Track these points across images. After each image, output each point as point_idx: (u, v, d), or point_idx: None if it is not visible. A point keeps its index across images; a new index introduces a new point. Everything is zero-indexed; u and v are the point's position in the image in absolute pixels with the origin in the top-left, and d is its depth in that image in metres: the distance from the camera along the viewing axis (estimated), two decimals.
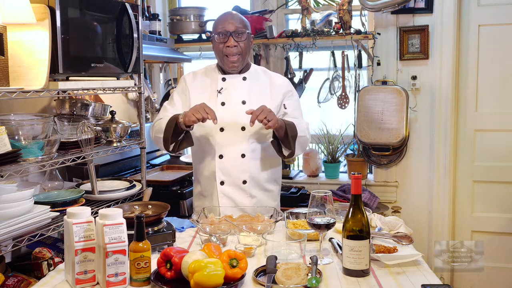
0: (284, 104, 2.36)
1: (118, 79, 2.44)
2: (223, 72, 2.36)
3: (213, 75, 2.38)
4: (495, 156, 3.25)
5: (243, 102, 2.30)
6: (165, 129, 2.17)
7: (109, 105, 2.76)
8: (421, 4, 3.18)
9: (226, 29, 2.25)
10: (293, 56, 3.58)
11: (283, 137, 2.20)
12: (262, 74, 2.42)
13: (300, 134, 2.21)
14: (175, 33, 3.66)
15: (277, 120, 2.11)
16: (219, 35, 2.26)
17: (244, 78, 2.34)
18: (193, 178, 2.50)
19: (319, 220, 1.67)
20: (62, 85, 2.04)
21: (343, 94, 3.43)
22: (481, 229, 3.32)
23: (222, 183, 2.28)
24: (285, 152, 2.24)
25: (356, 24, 3.31)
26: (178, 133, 2.19)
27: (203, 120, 2.08)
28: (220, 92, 2.31)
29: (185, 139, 2.22)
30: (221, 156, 2.27)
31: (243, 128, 2.26)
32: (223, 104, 2.30)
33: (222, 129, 2.27)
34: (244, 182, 2.28)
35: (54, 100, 2.65)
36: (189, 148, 2.48)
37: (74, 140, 2.28)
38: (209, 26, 3.55)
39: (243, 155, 2.27)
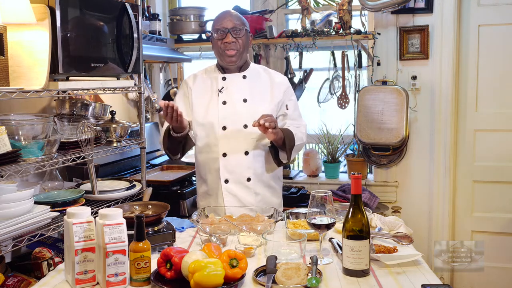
0: (286, 105, 2.38)
1: (118, 79, 2.44)
2: (223, 71, 2.37)
3: (213, 75, 2.39)
4: (495, 156, 3.25)
5: (244, 100, 2.31)
6: (163, 142, 2.33)
7: (109, 105, 2.76)
8: (421, 4, 3.18)
9: (224, 26, 2.28)
10: (293, 56, 3.58)
11: (280, 146, 2.26)
12: (262, 72, 2.43)
13: (298, 143, 2.28)
14: (175, 33, 3.66)
15: (278, 131, 2.16)
16: (217, 32, 2.29)
17: (244, 77, 2.36)
18: (195, 178, 2.50)
19: (319, 220, 1.67)
20: (62, 85, 2.04)
21: (343, 94, 3.43)
22: (481, 229, 3.32)
23: (226, 181, 2.30)
24: (282, 158, 2.29)
25: (356, 24, 3.31)
26: (178, 142, 2.32)
27: (174, 117, 2.15)
28: (221, 91, 2.32)
29: (186, 143, 2.35)
30: (224, 155, 2.28)
31: (245, 126, 2.27)
32: (224, 103, 2.31)
33: (224, 128, 2.28)
34: (248, 179, 2.30)
35: (54, 100, 2.65)
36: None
37: (74, 140, 2.28)
38: (209, 26, 3.54)
39: (246, 153, 2.28)
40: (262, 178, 2.33)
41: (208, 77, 2.40)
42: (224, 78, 2.35)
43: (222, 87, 2.33)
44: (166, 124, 2.34)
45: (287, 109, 2.38)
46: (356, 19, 3.36)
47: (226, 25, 2.28)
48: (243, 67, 2.38)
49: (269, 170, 2.35)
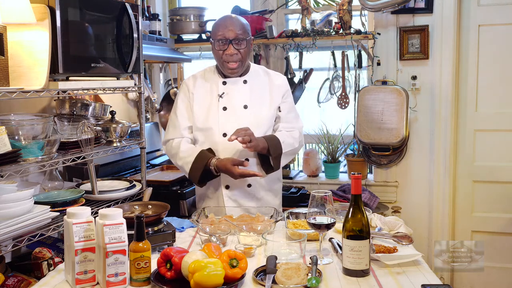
0: (279, 107, 2.35)
1: (118, 79, 2.44)
2: (223, 75, 2.34)
3: (213, 78, 2.35)
4: (495, 156, 3.25)
5: (245, 107, 2.29)
6: (193, 167, 2.21)
7: (109, 105, 2.76)
8: (421, 4, 3.18)
9: (225, 36, 2.22)
10: (293, 56, 3.58)
11: (266, 154, 2.24)
12: (262, 74, 2.40)
13: (286, 150, 2.24)
14: (175, 33, 3.65)
15: (258, 145, 2.13)
16: (219, 42, 2.23)
17: (245, 82, 2.33)
18: None
19: (319, 220, 1.67)
20: (62, 85, 2.04)
21: (343, 94, 3.43)
22: (481, 229, 3.32)
23: (227, 187, 2.29)
24: (273, 164, 2.26)
25: (356, 24, 3.31)
26: (207, 172, 2.22)
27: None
28: (221, 97, 2.29)
29: (214, 177, 2.27)
30: None
31: None
32: (224, 109, 2.28)
33: (225, 135, 2.25)
34: (249, 185, 2.29)
35: (54, 100, 2.65)
36: None
37: (74, 140, 2.28)
38: (209, 26, 3.54)
39: (246, 159, 2.25)
40: (262, 183, 2.32)
41: (208, 80, 2.36)
42: (224, 83, 2.32)
43: (223, 93, 2.30)
44: (178, 128, 2.30)
45: (280, 111, 2.35)
46: (356, 19, 3.36)
47: (228, 36, 2.21)
48: (244, 71, 2.35)
49: (269, 175, 2.33)
